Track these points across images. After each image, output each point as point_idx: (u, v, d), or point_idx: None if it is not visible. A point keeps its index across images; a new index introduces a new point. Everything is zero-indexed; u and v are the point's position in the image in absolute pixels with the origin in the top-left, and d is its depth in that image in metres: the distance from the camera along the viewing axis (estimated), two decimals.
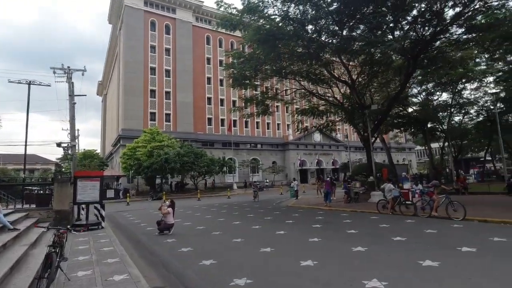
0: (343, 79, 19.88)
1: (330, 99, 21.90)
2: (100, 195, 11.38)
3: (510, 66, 24.50)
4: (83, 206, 11.81)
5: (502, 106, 29.23)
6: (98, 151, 65.28)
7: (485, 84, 29.46)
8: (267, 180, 46.31)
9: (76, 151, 42.99)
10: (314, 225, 9.86)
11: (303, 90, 22.28)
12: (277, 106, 47.39)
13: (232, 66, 19.08)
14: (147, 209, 19.07)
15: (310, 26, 18.15)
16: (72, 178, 11.41)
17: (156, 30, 45.95)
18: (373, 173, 18.40)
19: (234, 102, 50.90)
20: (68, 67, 22.97)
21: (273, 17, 17.57)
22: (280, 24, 15.86)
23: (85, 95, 26.88)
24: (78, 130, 45.73)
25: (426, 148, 33.87)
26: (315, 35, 18.26)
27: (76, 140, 31.11)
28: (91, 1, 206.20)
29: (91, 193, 11.20)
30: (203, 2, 49.63)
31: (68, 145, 25.67)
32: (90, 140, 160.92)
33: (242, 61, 18.24)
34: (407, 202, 12.36)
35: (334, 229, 9.24)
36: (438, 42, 19.16)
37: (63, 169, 56.90)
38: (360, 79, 19.98)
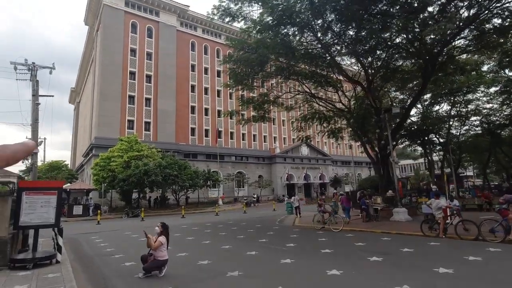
0: (356, 80, 17.62)
1: (337, 104, 19.58)
2: (56, 215, 7.94)
3: None
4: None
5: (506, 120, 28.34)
6: (68, 162, 59.52)
7: (482, 96, 28.51)
8: (255, 195, 43.13)
9: (41, 160, 37.40)
10: (371, 258, 6.94)
11: (306, 93, 19.84)
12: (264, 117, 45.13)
13: (232, 60, 16.03)
14: (122, 231, 15.43)
15: (320, 20, 15.89)
16: (15, 191, 7.93)
17: (137, 32, 42.69)
18: (393, 187, 15.91)
19: (219, 111, 48.11)
20: (33, 62, 19.35)
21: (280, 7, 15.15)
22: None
23: (52, 96, 23.14)
24: (45, 139, 40.64)
25: (426, 160, 32.26)
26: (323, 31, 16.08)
27: (39, 148, 26.71)
28: (64, 9, 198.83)
29: (44, 212, 7.75)
30: (188, 6, 47.18)
31: None
32: (60, 153, 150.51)
33: (244, 53, 15.41)
34: (464, 222, 9.80)
35: (412, 265, 6.36)
36: (448, 46, 17.61)
37: None
38: (375, 80, 17.78)
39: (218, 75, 49.77)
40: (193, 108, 46.34)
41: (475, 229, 9.11)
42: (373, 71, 17.93)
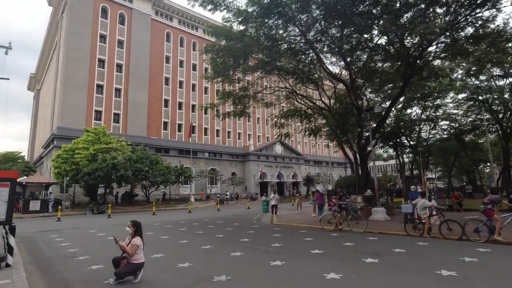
0: (338, 77, 17.47)
1: (318, 102, 19.39)
2: (8, 211, 6.76)
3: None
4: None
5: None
6: (24, 154, 54.97)
7: (450, 102, 29.86)
8: (228, 193, 42.34)
9: None
10: (366, 260, 6.51)
11: (287, 89, 19.43)
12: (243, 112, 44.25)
13: (215, 49, 15.10)
14: (86, 228, 14.07)
15: (306, 15, 15.51)
16: None
17: (108, 18, 40.16)
18: (371, 186, 15.95)
19: (193, 106, 46.74)
20: None
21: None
22: None
23: (8, 79, 20.80)
24: None
25: (398, 162, 33.29)
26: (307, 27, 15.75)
27: None
28: None
29: None
30: None
31: None
32: (17, 144, 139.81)
33: (228, 42, 14.60)
34: (448, 222, 9.78)
35: (411, 268, 6.04)
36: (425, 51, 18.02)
37: None
38: (358, 79, 17.72)
39: (194, 69, 48.30)
40: (166, 101, 44.56)
41: (459, 229, 9.12)
42: (354, 71, 17.89)
